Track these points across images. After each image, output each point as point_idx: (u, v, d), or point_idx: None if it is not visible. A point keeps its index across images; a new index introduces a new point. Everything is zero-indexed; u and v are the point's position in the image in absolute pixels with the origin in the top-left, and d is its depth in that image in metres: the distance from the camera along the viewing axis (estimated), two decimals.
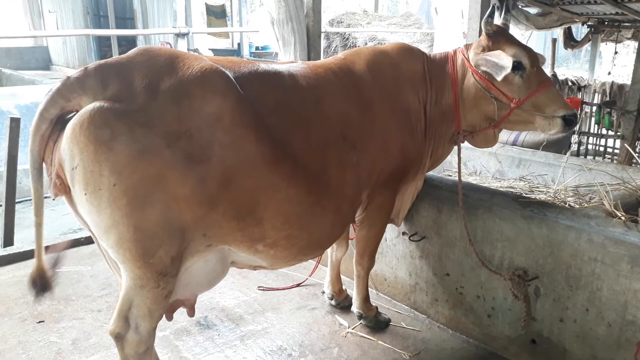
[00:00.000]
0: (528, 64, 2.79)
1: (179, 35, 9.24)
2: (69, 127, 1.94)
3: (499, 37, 2.85)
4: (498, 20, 3.14)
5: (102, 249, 2.19)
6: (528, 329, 2.95)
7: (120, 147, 1.92)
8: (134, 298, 2.15)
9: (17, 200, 4.55)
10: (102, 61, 2.08)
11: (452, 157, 3.99)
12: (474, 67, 2.86)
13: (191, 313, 2.56)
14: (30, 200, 5.66)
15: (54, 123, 2.00)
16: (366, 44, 12.34)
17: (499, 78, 2.72)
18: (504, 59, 2.69)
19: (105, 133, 1.91)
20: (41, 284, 2.18)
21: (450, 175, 4.54)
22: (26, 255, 4.25)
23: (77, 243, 4.53)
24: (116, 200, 1.95)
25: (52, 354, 3.03)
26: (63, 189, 2.04)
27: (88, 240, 4.51)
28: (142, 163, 1.95)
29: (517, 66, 2.77)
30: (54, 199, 2.12)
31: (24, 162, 4.70)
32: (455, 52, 3.02)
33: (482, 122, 2.99)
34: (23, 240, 4.48)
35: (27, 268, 4.11)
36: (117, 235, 2.00)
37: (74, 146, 1.92)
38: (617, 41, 9.73)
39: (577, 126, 7.75)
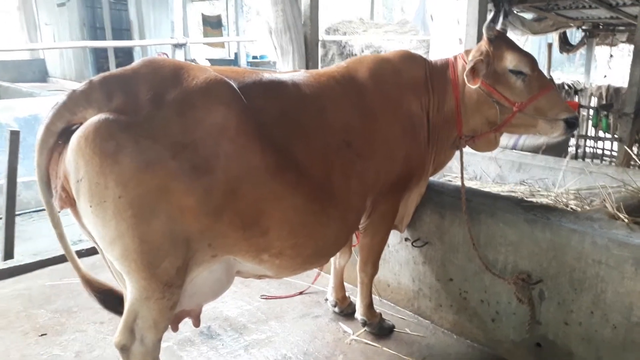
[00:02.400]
0: (529, 68, 2.82)
1: (176, 45, 9.28)
2: (74, 139, 1.94)
3: (500, 42, 2.87)
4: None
5: (107, 260, 2.19)
6: (533, 333, 2.95)
7: (126, 159, 1.92)
8: (140, 309, 2.14)
9: (17, 213, 4.54)
10: (107, 73, 2.09)
11: (452, 162, 4.00)
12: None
13: (196, 323, 2.55)
14: (29, 212, 5.66)
15: (60, 135, 2.00)
16: (363, 51, 12.38)
17: (467, 81, 2.78)
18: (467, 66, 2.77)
19: (111, 145, 1.91)
20: (98, 291, 2.39)
21: (451, 181, 4.54)
22: (27, 268, 4.23)
23: (77, 255, 4.49)
24: (121, 212, 1.95)
25: None
26: (68, 201, 2.03)
27: (89, 252, 4.48)
28: (147, 175, 1.95)
29: (518, 71, 2.81)
30: (59, 212, 2.12)
31: (24, 174, 4.72)
32: (455, 58, 3.04)
33: (484, 126, 3.01)
34: (23, 253, 4.46)
35: (28, 281, 4.09)
36: (122, 247, 2.00)
37: (79, 158, 1.92)
38: (612, 44, 9.80)
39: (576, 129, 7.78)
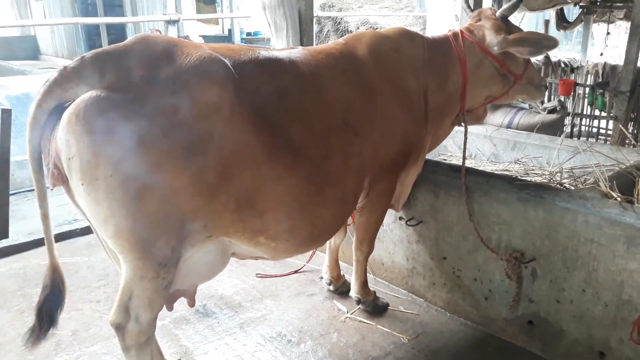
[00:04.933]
0: None
1: (169, 22, 9.11)
2: (65, 116, 1.91)
3: (507, 21, 3.05)
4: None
5: (102, 239, 2.19)
6: (517, 310, 3.00)
7: (117, 138, 1.90)
8: (134, 288, 2.14)
9: (11, 193, 4.52)
10: (100, 49, 2.05)
11: (446, 141, 3.99)
12: (494, 48, 2.99)
13: (192, 303, 2.57)
14: (23, 192, 5.61)
15: (51, 112, 1.98)
16: (358, 28, 12.26)
17: (539, 55, 3.11)
18: (551, 39, 2.95)
19: (102, 123, 1.88)
20: (53, 284, 2.21)
21: (446, 160, 4.54)
22: (22, 248, 4.23)
23: (72, 234, 4.51)
24: (113, 190, 1.93)
25: (51, 345, 3.03)
26: (60, 178, 2.02)
27: (83, 232, 4.49)
28: (139, 154, 1.93)
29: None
30: (51, 189, 2.11)
31: (17, 153, 4.68)
32: (455, 35, 3.05)
33: (483, 100, 3.17)
34: (18, 232, 4.46)
35: (23, 260, 4.10)
36: (115, 226, 1.99)
37: (70, 136, 1.90)
38: (609, 22, 9.71)
39: (571, 108, 7.75)
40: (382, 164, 2.84)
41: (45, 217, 2.13)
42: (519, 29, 3.09)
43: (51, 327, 2.22)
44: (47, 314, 2.20)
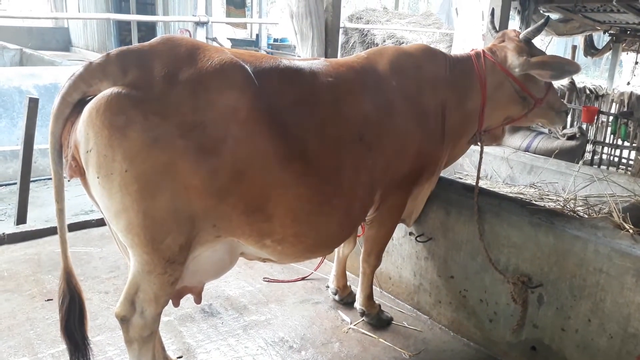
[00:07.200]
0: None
1: (198, 23, 9.28)
2: (86, 110, 1.98)
3: (530, 43, 3.04)
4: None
5: (113, 232, 2.24)
6: (521, 335, 2.97)
7: (134, 134, 1.95)
8: (141, 283, 2.19)
9: (32, 179, 4.63)
10: (125, 47, 2.11)
11: (462, 160, 3.99)
12: (515, 70, 2.98)
13: (198, 300, 2.60)
14: (44, 179, 5.72)
15: (75, 106, 2.04)
16: (384, 41, 12.29)
17: (561, 79, 3.11)
18: (574, 64, 2.96)
19: (120, 119, 1.94)
20: (71, 290, 2.23)
21: (461, 178, 4.53)
22: (38, 234, 4.34)
23: (87, 225, 4.60)
24: (127, 185, 1.99)
25: (58, 332, 3.05)
26: (78, 170, 2.08)
27: (98, 223, 4.58)
28: (154, 151, 1.98)
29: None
30: (69, 180, 2.17)
31: (41, 141, 4.80)
32: (478, 55, 3.05)
33: (501, 121, 3.16)
34: (36, 218, 4.56)
35: (38, 246, 4.19)
36: (126, 220, 2.04)
37: (89, 130, 1.96)
38: (638, 51, 9.61)
39: (592, 135, 7.68)
40: (394, 179, 2.86)
41: (60, 212, 2.16)
42: (542, 52, 3.08)
43: (86, 343, 2.26)
44: (77, 330, 2.25)
